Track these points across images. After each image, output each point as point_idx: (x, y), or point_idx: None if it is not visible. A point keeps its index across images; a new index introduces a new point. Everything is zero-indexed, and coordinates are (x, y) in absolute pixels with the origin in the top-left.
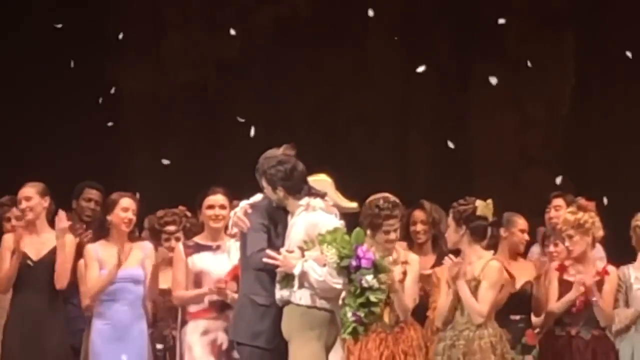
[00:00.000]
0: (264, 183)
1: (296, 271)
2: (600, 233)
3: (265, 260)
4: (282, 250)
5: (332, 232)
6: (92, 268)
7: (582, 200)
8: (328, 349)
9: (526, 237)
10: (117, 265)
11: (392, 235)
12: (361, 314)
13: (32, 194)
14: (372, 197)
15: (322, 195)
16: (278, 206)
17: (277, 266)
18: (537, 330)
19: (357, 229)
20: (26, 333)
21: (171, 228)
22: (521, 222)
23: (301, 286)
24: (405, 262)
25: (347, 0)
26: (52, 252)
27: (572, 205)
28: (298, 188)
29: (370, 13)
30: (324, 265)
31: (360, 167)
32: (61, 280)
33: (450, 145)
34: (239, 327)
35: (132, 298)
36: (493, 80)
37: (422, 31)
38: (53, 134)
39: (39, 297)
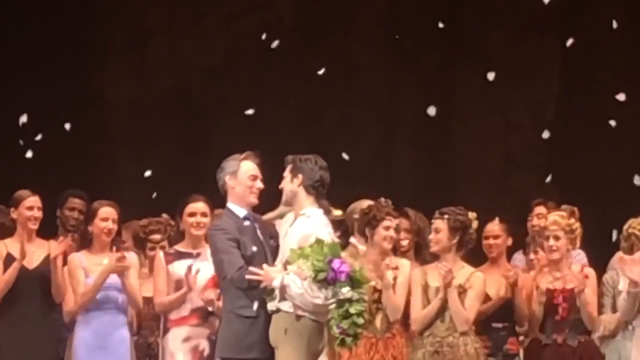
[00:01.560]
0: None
1: (275, 284)
2: (578, 244)
3: (247, 277)
4: (264, 265)
5: (309, 246)
6: (78, 277)
7: (574, 208)
8: (315, 357)
9: (491, 241)
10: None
11: (392, 232)
12: (344, 325)
13: (40, 204)
14: (357, 203)
15: (327, 210)
16: (247, 216)
17: (260, 282)
18: (521, 337)
19: (332, 241)
20: (19, 342)
21: (156, 237)
22: (487, 229)
23: (282, 299)
24: (396, 268)
25: (332, 7)
26: (45, 262)
27: (555, 210)
28: (314, 187)
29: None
30: (305, 279)
31: (345, 173)
32: (60, 294)
33: (432, 111)
34: (228, 343)
35: (115, 306)
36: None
37: (406, 38)
38: (37, 140)
39: (33, 306)
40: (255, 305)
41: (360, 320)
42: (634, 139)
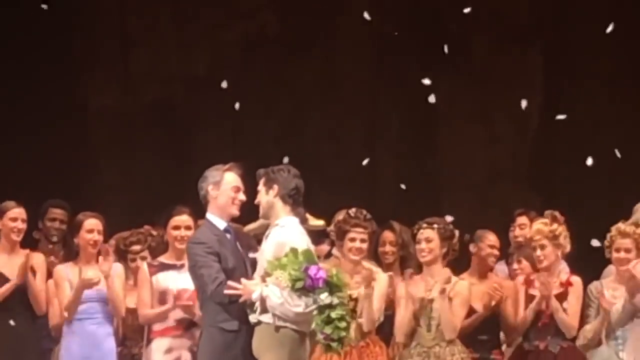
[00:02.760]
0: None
1: (254, 296)
2: (568, 248)
3: (226, 292)
4: (243, 279)
5: (284, 256)
6: (63, 288)
7: (555, 212)
8: None
9: (495, 252)
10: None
11: (358, 244)
12: (327, 331)
13: (24, 216)
14: (338, 214)
15: (303, 219)
16: (227, 229)
17: (240, 296)
18: (504, 346)
19: (305, 248)
20: (2, 353)
21: (136, 248)
22: (491, 238)
23: (263, 311)
24: (373, 279)
25: (315, 17)
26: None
27: (537, 219)
28: (290, 195)
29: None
30: (284, 288)
31: (328, 183)
32: (38, 304)
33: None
34: (209, 357)
35: (101, 317)
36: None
37: (389, 47)
38: (20, 150)
39: (16, 317)
40: (236, 320)
41: (343, 324)
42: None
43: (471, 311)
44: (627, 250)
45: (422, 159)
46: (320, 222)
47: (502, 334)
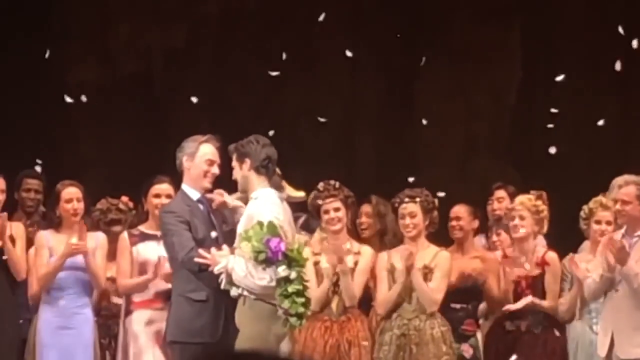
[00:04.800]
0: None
1: (217, 268)
2: (544, 229)
3: (196, 260)
4: (212, 249)
5: (251, 228)
6: (42, 256)
7: (542, 193)
8: (278, 340)
9: (458, 224)
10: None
11: (333, 214)
12: (285, 305)
13: (3, 187)
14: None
15: (279, 187)
16: (201, 199)
17: (208, 265)
18: (481, 320)
19: (269, 221)
20: None
21: (117, 228)
22: (454, 210)
23: (229, 283)
24: (357, 253)
25: None
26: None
27: (515, 194)
28: (263, 166)
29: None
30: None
31: (307, 158)
32: (18, 271)
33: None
34: (177, 327)
35: (80, 287)
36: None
37: (368, 22)
38: None
39: None
40: (204, 290)
41: (300, 299)
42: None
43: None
44: (608, 223)
45: (401, 134)
46: (300, 194)
47: (481, 306)
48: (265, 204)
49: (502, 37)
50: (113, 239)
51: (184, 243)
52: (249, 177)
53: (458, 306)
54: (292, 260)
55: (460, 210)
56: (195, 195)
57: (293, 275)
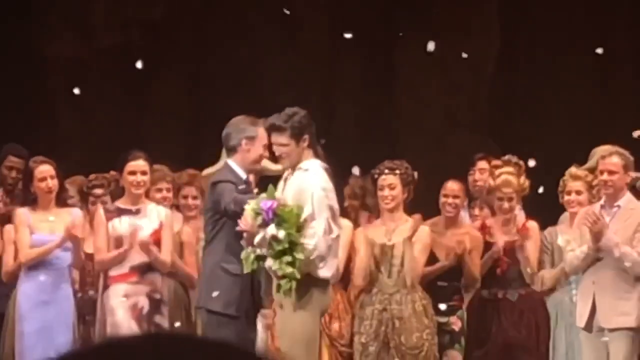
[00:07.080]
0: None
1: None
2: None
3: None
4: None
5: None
6: (23, 233)
7: (519, 162)
8: (322, 314)
9: (450, 200)
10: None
11: None
12: (275, 267)
13: None
14: None
15: (322, 156)
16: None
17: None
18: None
19: (270, 186)
20: None
21: (98, 191)
22: (448, 186)
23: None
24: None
25: None
26: None
27: (498, 165)
28: (317, 140)
29: None
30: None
31: None
32: None
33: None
34: (212, 295)
35: (59, 263)
36: (431, 46)
37: None
38: None
39: None
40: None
41: (287, 258)
42: (575, 94)
43: (434, 259)
44: (578, 193)
45: (380, 106)
46: (278, 167)
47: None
48: (315, 175)
49: (480, 8)
50: (93, 202)
51: (227, 192)
52: (304, 152)
53: (445, 284)
54: (282, 220)
55: (455, 188)
56: (243, 175)
57: (281, 234)
